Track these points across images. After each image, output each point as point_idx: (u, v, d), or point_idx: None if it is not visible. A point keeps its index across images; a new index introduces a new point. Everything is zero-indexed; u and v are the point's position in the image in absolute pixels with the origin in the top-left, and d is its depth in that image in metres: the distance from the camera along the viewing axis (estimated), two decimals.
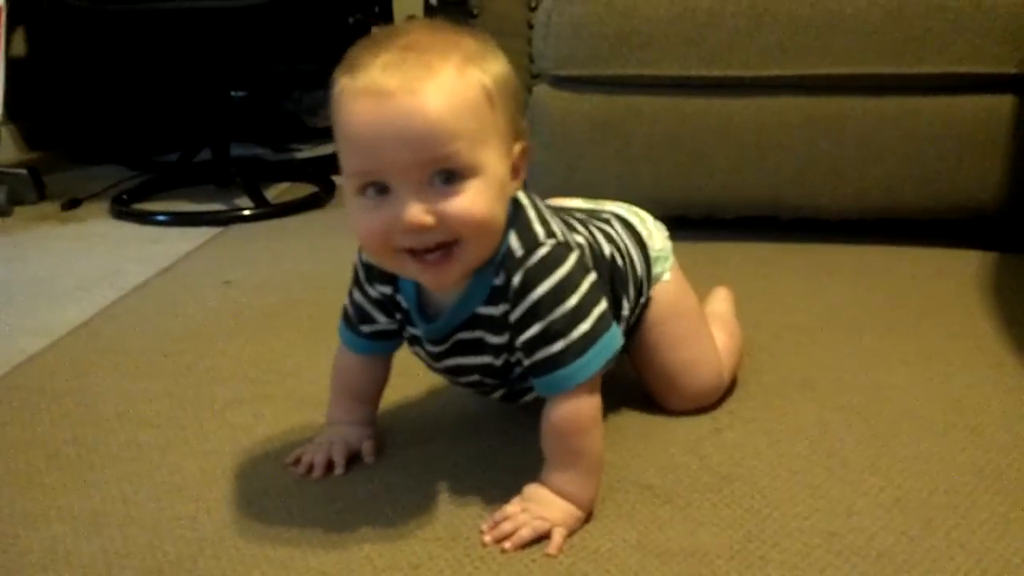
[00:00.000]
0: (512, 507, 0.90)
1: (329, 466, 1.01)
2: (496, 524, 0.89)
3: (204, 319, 1.47)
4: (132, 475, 1.03)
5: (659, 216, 1.76)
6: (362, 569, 0.85)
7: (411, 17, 2.53)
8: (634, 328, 1.09)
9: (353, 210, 0.84)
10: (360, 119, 0.81)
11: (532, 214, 0.91)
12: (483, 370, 0.97)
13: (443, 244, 0.83)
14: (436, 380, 1.13)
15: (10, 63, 2.26)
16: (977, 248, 1.66)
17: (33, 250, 1.91)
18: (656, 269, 1.10)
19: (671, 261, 1.13)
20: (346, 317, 1.02)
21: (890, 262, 1.62)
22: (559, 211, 1.00)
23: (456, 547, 0.88)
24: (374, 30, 0.88)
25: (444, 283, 0.88)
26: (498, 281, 0.89)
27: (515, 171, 0.88)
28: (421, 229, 0.82)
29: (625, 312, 1.04)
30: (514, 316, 0.89)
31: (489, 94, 0.83)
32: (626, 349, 1.01)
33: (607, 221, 1.08)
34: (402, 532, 0.91)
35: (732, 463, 1.01)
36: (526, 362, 0.90)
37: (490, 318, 0.91)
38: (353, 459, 1.02)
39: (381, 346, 1.02)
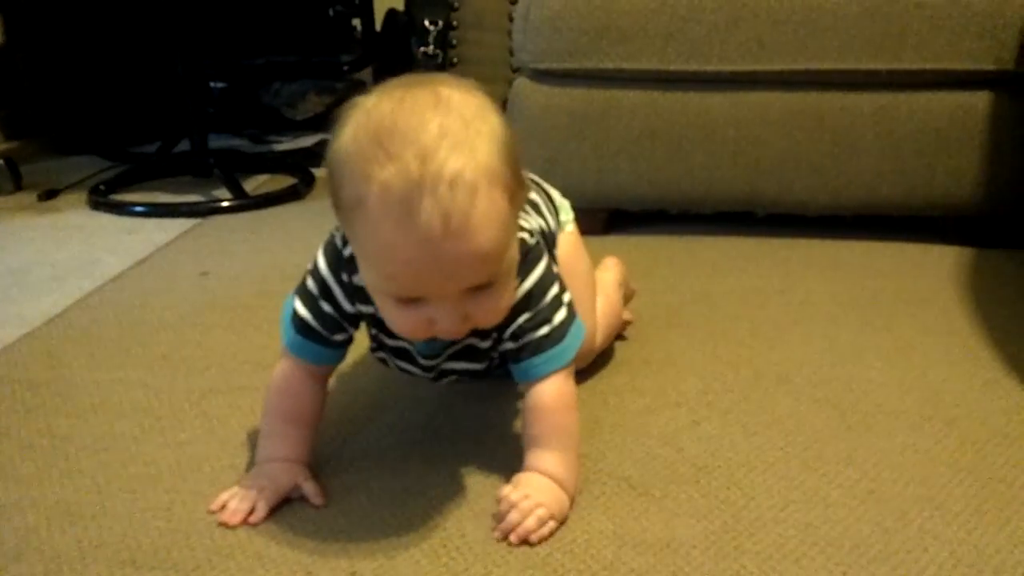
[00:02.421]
0: (513, 492, 0.89)
1: (248, 514, 0.91)
2: (503, 516, 0.88)
3: (180, 310, 1.46)
4: (106, 466, 1.02)
5: (637, 210, 1.78)
6: (338, 559, 0.85)
7: (392, 11, 2.53)
8: None
9: (385, 304, 0.86)
10: (407, 263, 0.79)
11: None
12: (467, 373, 1.02)
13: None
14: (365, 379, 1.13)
15: None
16: (953, 244, 1.67)
17: (9, 240, 1.89)
18: (562, 217, 1.15)
19: (570, 211, 1.18)
20: (306, 329, 0.95)
21: (867, 257, 1.63)
22: None
23: (432, 537, 0.88)
24: (361, 97, 0.83)
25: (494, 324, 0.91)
26: None
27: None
28: (457, 332, 0.86)
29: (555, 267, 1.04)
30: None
31: (510, 188, 0.82)
32: None
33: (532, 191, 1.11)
34: (377, 522, 0.91)
35: (708, 455, 1.02)
36: (510, 346, 0.93)
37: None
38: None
39: (335, 354, 0.98)
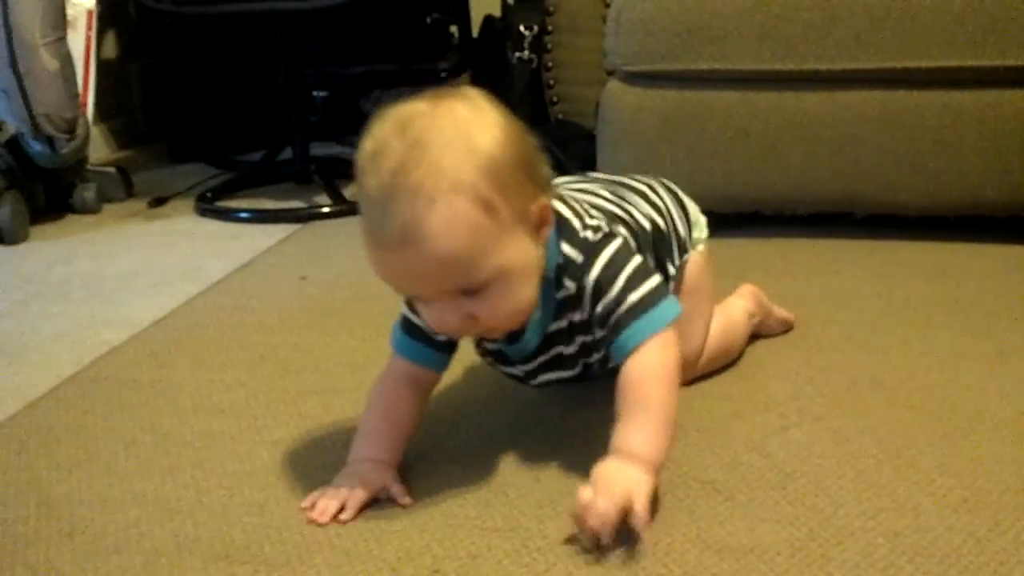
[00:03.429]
0: (588, 497, 0.84)
1: (339, 511, 0.93)
2: (583, 524, 0.84)
3: (279, 313, 1.50)
4: (204, 462, 1.06)
5: (731, 212, 1.76)
6: (422, 557, 0.87)
7: (488, 18, 2.55)
8: None
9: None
10: (375, 264, 0.88)
11: (576, 223, 0.96)
12: (563, 380, 1.06)
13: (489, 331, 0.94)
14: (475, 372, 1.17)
15: (100, 65, 2.34)
16: None
17: (120, 246, 1.97)
18: (695, 233, 1.16)
19: (705, 230, 1.19)
20: (409, 327, 1.00)
21: (968, 259, 1.58)
22: (603, 184, 1.10)
23: (514, 537, 0.89)
24: (376, 117, 0.89)
25: (506, 332, 0.96)
26: (566, 291, 0.96)
27: (539, 227, 0.91)
28: (466, 329, 0.91)
29: (672, 272, 1.09)
30: (585, 310, 0.95)
31: (487, 202, 0.84)
32: None
33: (649, 186, 1.13)
34: (462, 522, 0.92)
35: (797, 461, 1.00)
36: (600, 334, 0.96)
37: (568, 328, 0.98)
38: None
39: (445, 358, 1.02)
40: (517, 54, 2.43)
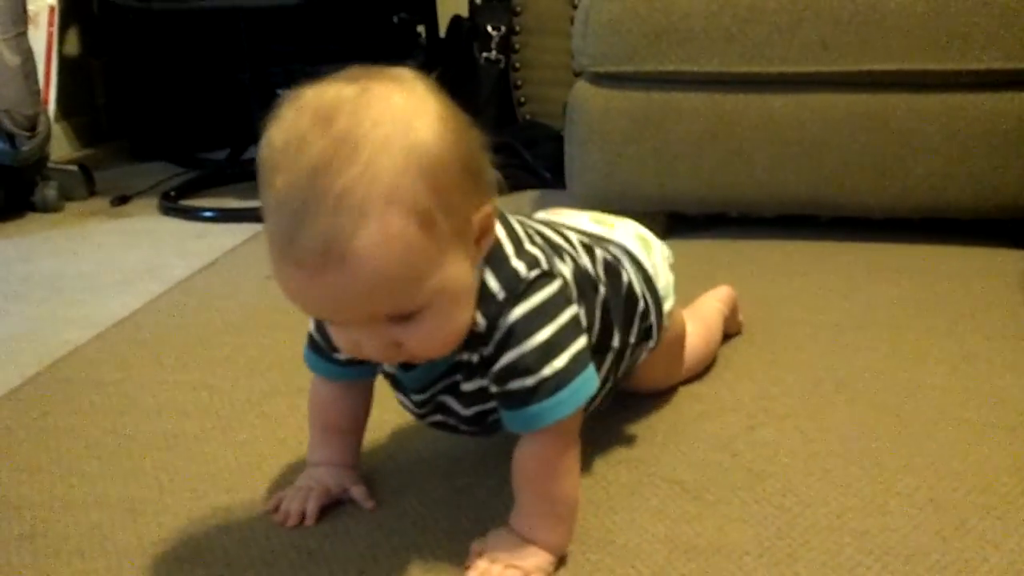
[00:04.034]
0: (481, 560, 0.83)
1: (302, 515, 0.91)
2: None
3: (244, 313, 1.49)
4: (169, 464, 1.04)
5: (697, 213, 1.77)
6: (388, 559, 0.86)
7: (456, 18, 2.54)
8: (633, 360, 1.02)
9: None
10: (283, 282, 0.72)
11: (509, 248, 0.81)
12: (457, 417, 0.90)
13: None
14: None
15: (62, 61, 2.31)
16: (1022, 248, 1.63)
17: (82, 244, 1.94)
18: (665, 308, 1.04)
19: (671, 301, 1.06)
20: (313, 344, 0.91)
21: (932, 261, 1.60)
22: (554, 227, 0.94)
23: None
24: (286, 102, 0.72)
25: (438, 356, 0.81)
26: (475, 325, 0.79)
27: (480, 237, 0.77)
28: (387, 358, 0.78)
29: (615, 343, 0.94)
30: (487, 350, 0.81)
31: (423, 213, 0.70)
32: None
33: (612, 255, 0.99)
34: (426, 522, 0.91)
35: (764, 460, 1.01)
36: (494, 390, 0.82)
37: (468, 363, 0.83)
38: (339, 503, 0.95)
39: (358, 371, 0.91)
40: (484, 54, 2.43)
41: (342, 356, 0.88)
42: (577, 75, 1.81)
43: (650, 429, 1.07)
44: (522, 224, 0.87)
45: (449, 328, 0.77)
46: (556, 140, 2.01)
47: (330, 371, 0.92)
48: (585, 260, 0.92)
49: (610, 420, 1.08)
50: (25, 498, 0.99)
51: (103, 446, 1.09)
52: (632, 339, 0.98)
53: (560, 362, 0.79)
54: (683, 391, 1.16)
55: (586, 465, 1.00)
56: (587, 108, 1.72)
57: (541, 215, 1.04)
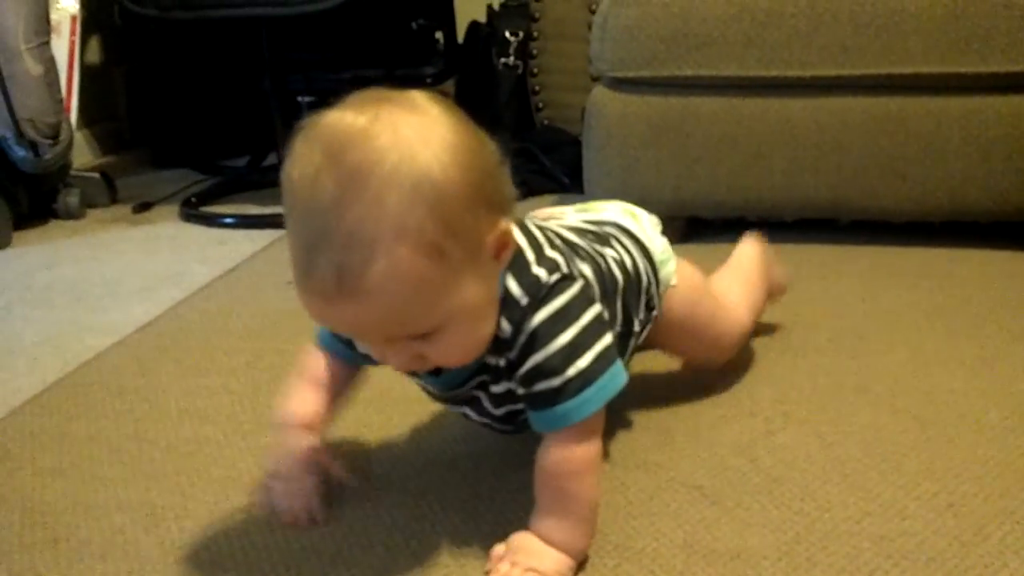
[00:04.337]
0: (502, 564, 0.84)
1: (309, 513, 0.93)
2: None
3: (265, 318, 1.50)
4: (190, 469, 1.05)
5: (716, 218, 1.76)
6: (409, 563, 0.87)
7: (474, 23, 2.55)
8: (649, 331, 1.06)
9: None
10: (312, 311, 0.76)
11: (530, 255, 0.84)
12: (488, 416, 0.94)
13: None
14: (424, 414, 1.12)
15: (84, 70, 2.33)
16: None
17: (104, 251, 1.96)
18: (663, 274, 1.06)
19: (673, 261, 1.08)
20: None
21: (953, 265, 1.59)
22: (566, 228, 0.97)
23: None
24: (301, 132, 0.74)
25: (462, 364, 0.85)
26: (500, 331, 0.82)
27: (498, 253, 0.79)
28: (411, 369, 0.83)
29: (636, 328, 1.00)
30: (513, 354, 0.83)
31: (432, 246, 0.72)
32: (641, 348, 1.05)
33: (611, 236, 1.02)
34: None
35: (783, 465, 1.00)
36: (521, 392, 0.85)
37: (496, 367, 0.86)
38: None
39: (371, 359, 0.92)
40: (503, 60, 2.44)
41: (363, 348, 0.90)
42: (595, 80, 1.82)
43: (668, 434, 1.07)
44: (542, 229, 0.89)
45: (471, 340, 0.80)
46: (574, 145, 2.01)
47: (345, 353, 0.94)
48: (604, 254, 0.96)
49: (628, 424, 1.09)
50: (48, 503, 1.00)
51: (125, 451, 1.10)
52: (643, 315, 1.02)
53: (584, 362, 0.81)
54: (701, 395, 1.16)
55: (604, 470, 1.00)
56: (605, 113, 1.73)
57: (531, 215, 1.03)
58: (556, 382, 0.81)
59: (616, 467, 1.01)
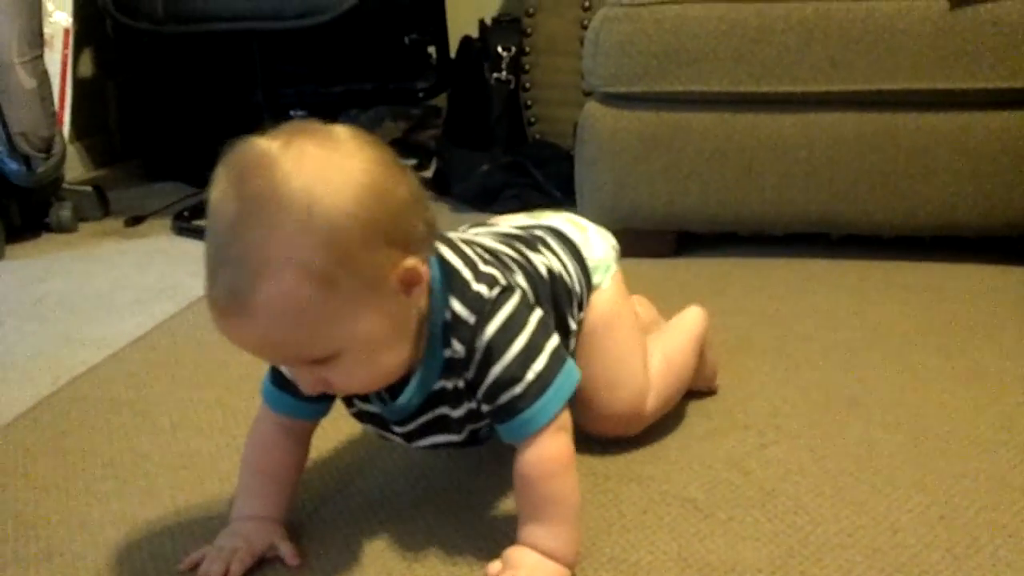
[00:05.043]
0: None
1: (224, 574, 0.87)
2: None
3: None
4: (184, 483, 1.05)
5: (707, 232, 1.77)
6: None
7: (466, 38, 2.56)
8: None
9: None
10: (216, 325, 0.79)
11: (467, 274, 0.85)
12: (449, 441, 0.93)
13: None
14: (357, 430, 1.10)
15: (77, 83, 2.33)
16: None
17: (96, 265, 1.96)
18: (595, 279, 1.04)
19: (613, 270, 1.07)
20: (279, 379, 0.90)
21: (943, 279, 1.60)
22: (495, 237, 0.98)
23: None
24: (223, 157, 0.79)
25: (368, 391, 0.88)
26: (452, 352, 0.84)
27: (407, 288, 0.79)
28: (319, 392, 0.83)
29: (573, 327, 1.00)
30: (470, 373, 0.85)
31: (325, 276, 0.74)
32: None
33: (539, 239, 1.01)
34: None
35: (776, 479, 1.01)
36: (486, 409, 0.86)
37: (454, 390, 0.87)
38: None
39: (313, 409, 0.92)
40: (495, 75, 2.44)
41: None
42: (587, 95, 1.83)
43: (662, 447, 1.08)
44: (470, 244, 0.91)
45: (371, 370, 0.81)
46: (566, 159, 2.02)
47: (284, 404, 0.91)
48: (531, 259, 0.96)
49: (621, 438, 1.09)
50: (42, 517, 1.00)
51: (119, 465, 1.10)
52: (576, 314, 1.01)
53: (540, 364, 0.84)
54: (694, 409, 1.17)
55: (598, 484, 1.01)
56: (597, 128, 1.74)
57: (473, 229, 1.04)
58: (517, 389, 0.83)
59: (610, 480, 1.02)
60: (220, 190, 0.77)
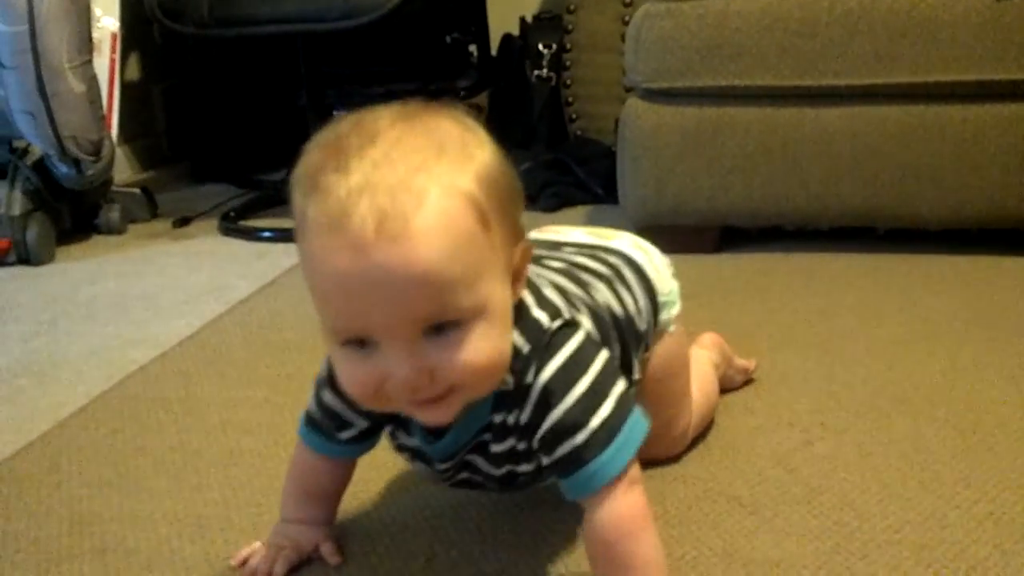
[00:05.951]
0: None
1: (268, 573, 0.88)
2: None
3: (305, 331, 1.51)
4: (233, 480, 1.07)
5: (751, 227, 1.76)
6: None
7: (507, 36, 2.57)
8: None
9: (335, 357, 0.73)
10: (335, 275, 0.67)
11: (530, 298, 0.78)
12: (485, 476, 0.86)
13: (442, 394, 0.71)
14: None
15: (124, 87, 2.36)
16: None
17: (145, 266, 1.99)
18: (663, 316, 0.97)
19: (677, 308, 0.99)
20: (313, 423, 0.88)
21: (991, 273, 1.58)
22: (560, 265, 0.90)
23: None
24: (334, 118, 0.74)
25: (443, 422, 0.75)
26: (503, 384, 0.76)
27: (516, 278, 0.74)
28: (416, 389, 0.70)
29: (636, 376, 0.93)
30: (525, 414, 0.77)
31: (482, 212, 0.68)
32: None
33: (615, 270, 0.93)
34: None
35: (822, 475, 1.01)
36: (545, 461, 0.78)
37: (502, 424, 0.79)
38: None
39: (356, 449, 0.89)
40: (536, 72, 2.45)
41: (344, 435, 0.87)
42: (628, 91, 1.83)
43: (706, 446, 1.08)
44: (535, 262, 0.83)
45: (489, 352, 0.70)
46: (608, 156, 2.02)
47: (328, 449, 0.89)
48: (596, 298, 0.88)
49: None
50: (96, 513, 1.02)
51: (170, 462, 1.12)
52: (640, 357, 0.95)
53: (606, 410, 0.76)
54: (739, 406, 1.16)
55: (642, 481, 1.00)
56: (639, 124, 1.73)
57: (534, 234, 0.97)
58: (580, 437, 0.75)
59: (654, 479, 1.01)
60: (347, 143, 0.69)
